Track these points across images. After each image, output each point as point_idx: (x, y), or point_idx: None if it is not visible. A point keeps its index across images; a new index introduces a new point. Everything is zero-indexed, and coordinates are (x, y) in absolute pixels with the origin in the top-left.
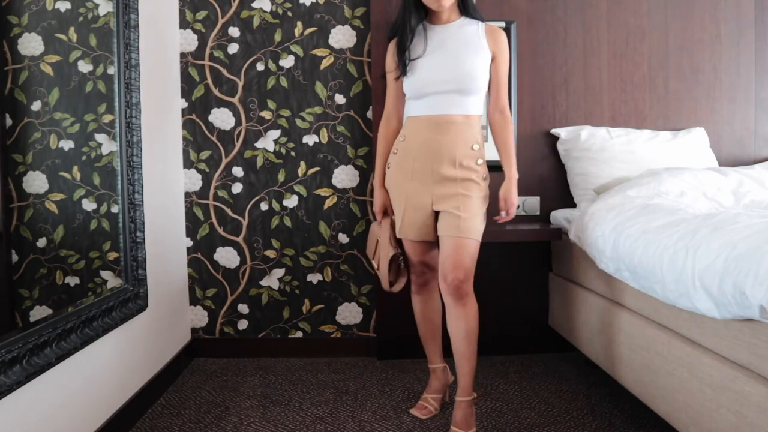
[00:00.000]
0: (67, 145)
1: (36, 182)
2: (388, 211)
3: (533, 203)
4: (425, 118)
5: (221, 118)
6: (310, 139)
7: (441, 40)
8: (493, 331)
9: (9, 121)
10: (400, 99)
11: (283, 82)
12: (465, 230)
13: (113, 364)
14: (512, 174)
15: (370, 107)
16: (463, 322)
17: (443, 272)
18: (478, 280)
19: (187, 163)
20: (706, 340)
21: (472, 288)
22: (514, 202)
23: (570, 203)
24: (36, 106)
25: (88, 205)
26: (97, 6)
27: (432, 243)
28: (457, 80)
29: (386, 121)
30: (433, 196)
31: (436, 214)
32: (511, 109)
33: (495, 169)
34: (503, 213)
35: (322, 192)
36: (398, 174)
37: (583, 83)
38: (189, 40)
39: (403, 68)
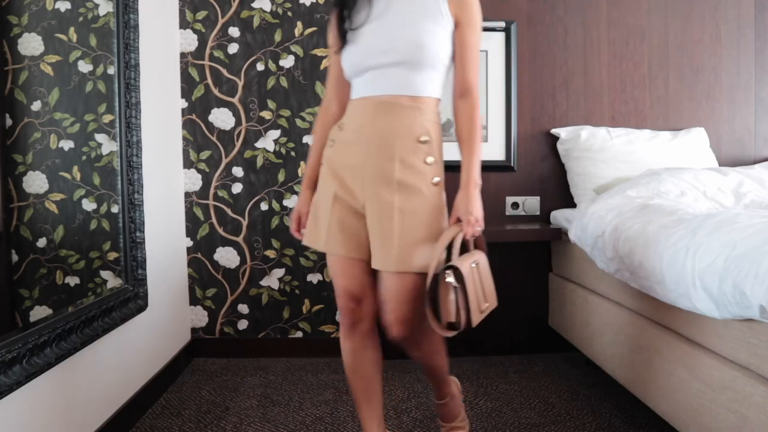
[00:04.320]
0: (67, 145)
1: (36, 182)
2: (301, 221)
3: (533, 203)
4: (363, 100)
5: (221, 118)
6: (310, 139)
7: (387, 2)
8: (493, 331)
9: (9, 121)
10: (342, 80)
11: (283, 82)
12: (402, 262)
13: (113, 364)
14: (471, 178)
15: None
16: (420, 362)
17: (383, 317)
18: None
19: (187, 163)
20: (706, 340)
21: (423, 330)
22: (474, 213)
23: (570, 203)
24: (36, 106)
25: (88, 205)
26: (97, 6)
27: (364, 264)
28: (399, 50)
29: (324, 108)
30: (365, 199)
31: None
32: (510, 110)
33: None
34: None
35: None
36: (329, 171)
37: (583, 83)
38: (189, 40)
39: (342, 38)
